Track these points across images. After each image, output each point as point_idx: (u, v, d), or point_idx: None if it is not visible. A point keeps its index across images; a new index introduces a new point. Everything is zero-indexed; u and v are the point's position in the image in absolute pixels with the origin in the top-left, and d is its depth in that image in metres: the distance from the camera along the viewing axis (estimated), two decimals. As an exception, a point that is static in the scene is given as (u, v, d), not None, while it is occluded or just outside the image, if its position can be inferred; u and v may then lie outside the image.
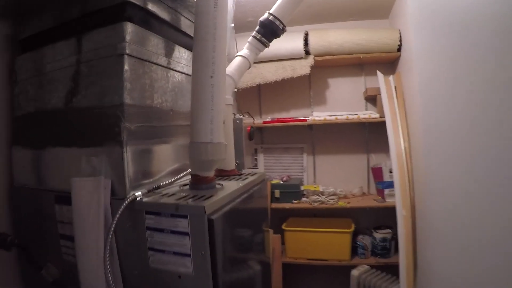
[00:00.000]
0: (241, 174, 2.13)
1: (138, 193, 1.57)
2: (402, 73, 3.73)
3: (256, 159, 4.65)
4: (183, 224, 1.44)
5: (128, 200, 1.51)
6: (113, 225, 1.47)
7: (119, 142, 1.58)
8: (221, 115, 1.68)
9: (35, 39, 1.94)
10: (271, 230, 3.45)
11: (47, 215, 1.79)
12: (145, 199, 1.55)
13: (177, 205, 1.45)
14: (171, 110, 1.93)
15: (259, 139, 4.64)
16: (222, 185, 1.82)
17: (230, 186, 1.79)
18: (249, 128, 2.53)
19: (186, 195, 1.57)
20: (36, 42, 1.92)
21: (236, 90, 2.74)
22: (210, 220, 1.42)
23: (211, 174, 1.72)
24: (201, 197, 1.55)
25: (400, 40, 3.74)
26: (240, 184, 1.86)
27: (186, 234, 1.44)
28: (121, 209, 1.47)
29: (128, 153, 1.60)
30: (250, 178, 2.03)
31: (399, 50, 3.80)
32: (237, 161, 2.44)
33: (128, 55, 1.62)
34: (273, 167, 4.65)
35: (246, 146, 2.49)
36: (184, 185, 1.81)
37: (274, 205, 4.07)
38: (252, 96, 4.65)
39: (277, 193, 4.09)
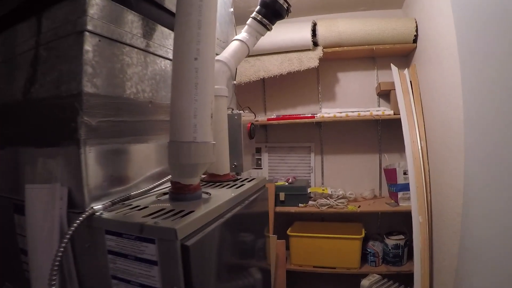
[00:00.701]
0: (237, 180, 1.79)
1: (98, 207, 1.23)
2: (418, 66, 3.46)
3: (259, 159, 4.41)
4: (150, 250, 1.09)
5: (84, 215, 1.16)
6: (62, 246, 1.13)
7: (76, 140, 1.23)
8: (208, 108, 1.34)
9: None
10: (274, 236, 3.27)
11: (6, 226, 1.50)
12: (105, 215, 1.20)
13: (141, 226, 1.09)
14: (150, 102, 1.58)
15: (263, 137, 4.41)
16: (210, 194, 1.47)
17: (220, 196, 1.44)
18: (249, 125, 2.20)
19: (160, 210, 1.22)
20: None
21: (235, 82, 2.41)
22: (185, 246, 1.06)
23: (195, 181, 1.37)
24: (178, 212, 1.19)
25: (417, 30, 3.46)
26: (233, 194, 1.49)
27: (154, 263, 1.09)
28: (73, 227, 1.13)
29: (88, 155, 1.25)
30: (247, 185, 1.68)
31: (415, 41, 3.52)
32: (235, 163, 2.13)
33: (91, 32, 1.27)
34: (278, 168, 4.39)
35: (246, 146, 2.18)
36: (165, 193, 1.46)
37: (279, 209, 3.79)
38: (255, 91, 4.38)
39: (281, 196, 3.81)
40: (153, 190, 1.51)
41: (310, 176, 4.27)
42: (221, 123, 1.72)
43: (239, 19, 2.59)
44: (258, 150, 4.39)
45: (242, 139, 2.14)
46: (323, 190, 3.94)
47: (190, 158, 1.29)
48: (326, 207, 3.70)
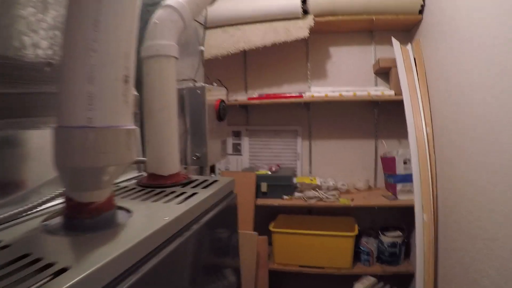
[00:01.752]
0: (189, 183, 1.17)
1: None
2: (423, 41, 3.01)
3: (239, 144, 3.86)
4: None
5: None
6: None
7: None
8: (119, 66, 0.73)
9: None
10: (255, 233, 3.00)
11: None
12: None
13: None
14: (48, 64, 0.96)
15: (243, 119, 3.92)
16: (132, 213, 0.87)
17: (148, 220, 0.83)
18: (218, 103, 1.67)
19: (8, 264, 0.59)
20: None
21: (202, 48, 1.92)
22: None
23: (98, 196, 0.77)
24: (47, 266, 0.59)
25: (423, 0, 2.99)
26: (169, 218, 0.84)
27: None
28: None
29: None
30: (203, 193, 1.05)
31: (421, 12, 3.05)
32: (197, 154, 1.60)
33: None
34: (260, 154, 3.91)
35: (212, 131, 1.65)
36: (58, 213, 0.84)
37: (260, 201, 3.33)
38: (235, 67, 3.87)
39: (264, 187, 3.34)
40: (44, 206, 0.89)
41: (296, 164, 3.80)
42: (164, 97, 1.13)
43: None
44: (238, 134, 3.88)
45: (207, 121, 1.59)
46: (311, 180, 3.42)
47: (83, 158, 0.68)
48: (315, 200, 3.21)
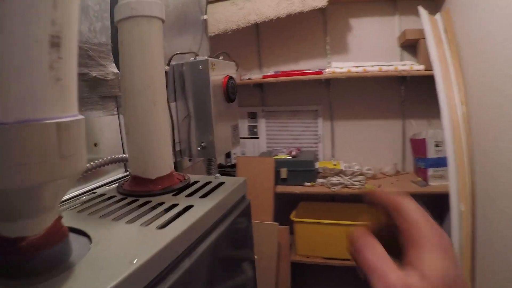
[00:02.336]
0: (184, 188, 0.87)
1: None
2: (453, 10, 2.69)
3: (255, 127, 3.63)
4: None
5: None
6: None
7: None
8: (42, 26, 0.43)
9: None
10: (275, 224, 2.77)
11: None
12: None
13: None
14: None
15: (259, 99, 3.66)
16: (90, 243, 0.58)
17: (106, 263, 0.52)
18: (225, 80, 1.37)
19: None
20: None
21: (205, 17, 1.67)
22: None
23: (35, 228, 0.48)
24: None
25: None
26: (140, 259, 0.51)
27: None
28: None
29: None
30: (203, 206, 0.72)
31: None
32: (202, 143, 1.32)
33: None
34: (278, 137, 3.64)
35: (221, 114, 1.36)
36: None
37: (280, 188, 3.07)
38: (247, 42, 3.61)
39: (283, 173, 3.07)
40: None
41: (317, 147, 3.53)
42: (146, 73, 0.83)
43: None
44: (254, 116, 3.64)
45: (212, 103, 1.29)
46: (335, 165, 3.17)
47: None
48: (339, 186, 2.92)
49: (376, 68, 2.91)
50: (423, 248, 0.41)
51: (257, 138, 3.63)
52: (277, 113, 3.61)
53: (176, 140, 1.33)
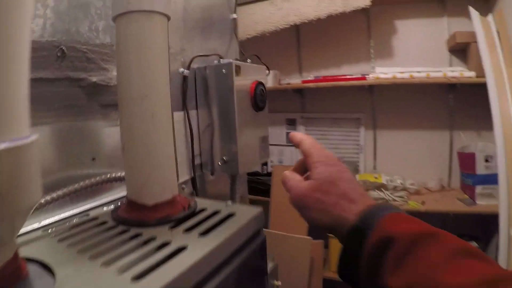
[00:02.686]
0: (189, 217, 0.72)
1: None
2: (507, 10, 2.53)
3: None
4: None
5: None
6: None
7: None
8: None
9: None
10: (308, 238, 2.64)
11: None
12: None
13: None
14: None
15: (298, 105, 3.55)
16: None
17: None
18: (253, 86, 1.24)
19: None
20: None
21: (235, 16, 1.47)
22: None
23: None
24: None
25: None
26: None
27: None
28: None
29: None
30: (201, 249, 0.57)
31: None
32: (224, 157, 1.19)
33: None
34: None
35: (247, 124, 1.23)
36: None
37: None
38: (287, 45, 3.50)
39: None
40: None
41: (358, 158, 3.38)
42: (144, 78, 0.70)
43: None
44: (292, 122, 3.55)
45: (237, 111, 1.16)
46: (376, 178, 3.00)
47: None
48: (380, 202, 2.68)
49: (423, 74, 2.75)
50: (314, 166, 0.64)
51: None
52: (316, 120, 3.50)
53: (196, 152, 1.20)
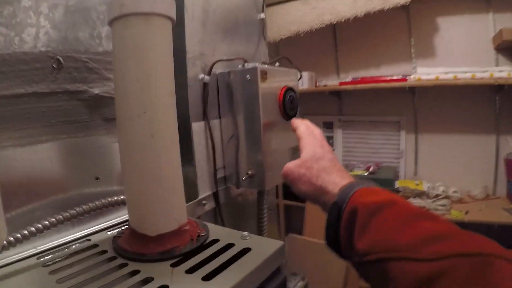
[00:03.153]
0: (196, 252, 0.63)
1: None
2: None
3: (331, 138, 3.50)
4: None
5: None
6: None
7: None
8: None
9: None
10: None
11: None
12: None
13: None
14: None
15: (336, 108, 3.50)
16: None
17: None
18: (282, 91, 1.13)
19: None
20: None
21: (263, 16, 1.36)
22: None
23: None
24: None
25: None
26: None
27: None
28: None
29: None
30: None
31: None
32: (249, 171, 1.09)
33: None
34: (355, 150, 3.47)
35: (275, 134, 1.12)
36: None
37: None
38: (323, 45, 3.43)
39: None
40: None
41: (398, 163, 3.29)
42: (143, 92, 0.61)
43: None
44: (330, 125, 3.51)
45: (263, 121, 1.06)
46: (417, 185, 2.90)
47: None
48: None
49: (468, 75, 2.64)
50: (303, 147, 0.78)
51: (333, 149, 3.40)
52: (355, 124, 3.44)
53: (219, 165, 1.12)
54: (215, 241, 0.66)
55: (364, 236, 0.55)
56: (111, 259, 0.62)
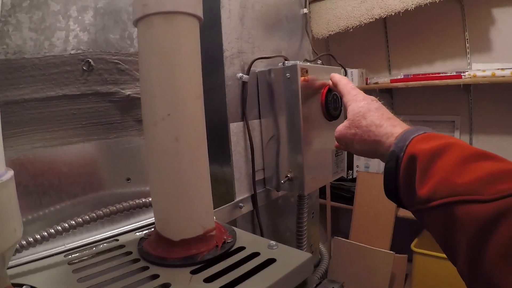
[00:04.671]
0: (220, 259, 0.63)
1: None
2: None
3: None
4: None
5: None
6: None
7: None
8: None
9: None
10: (391, 253, 2.58)
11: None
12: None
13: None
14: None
15: (387, 106, 3.22)
16: None
17: None
18: (324, 90, 1.09)
19: None
20: None
21: (306, 11, 1.33)
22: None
23: None
24: None
25: None
26: None
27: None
28: None
29: None
30: None
31: None
32: (288, 175, 1.07)
33: None
34: None
35: (317, 135, 1.10)
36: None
37: (403, 212, 2.78)
38: (374, 41, 3.35)
39: None
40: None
41: None
42: (167, 95, 0.61)
43: None
44: None
45: (303, 121, 1.03)
46: None
47: None
48: None
49: (527, 72, 2.49)
50: (347, 105, 0.78)
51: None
52: (407, 123, 3.24)
53: (259, 167, 1.11)
54: (241, 248, 0.65)
55: (425, 182, 0.55)
56: (135, 261, 0.63)
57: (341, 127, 0.77)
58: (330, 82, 0.93)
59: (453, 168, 0.52)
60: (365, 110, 0.73)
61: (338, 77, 0.88)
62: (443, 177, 0.52)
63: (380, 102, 0.77)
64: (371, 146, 0.70)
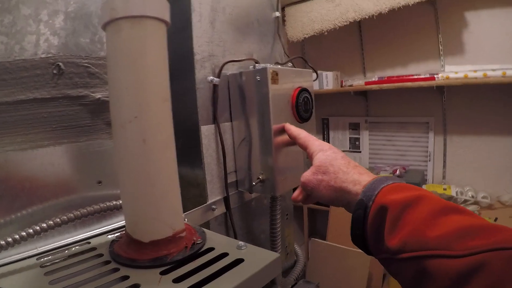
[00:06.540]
0: (188, 260, 0.64)
1: None
2: None
3: (357, 139, 3.47)
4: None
5: None
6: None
7: None
8: None
9: None
10: None
11: None
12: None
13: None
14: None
15: (362, 109, 3.48)
16: None
17: None
18: (295, 93, 1.11)
19: None
20: None
21: (278, 14, 1.35)
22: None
23: None
24: None
25: None
26: None
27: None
28: None
29: None
30: None
31: None
32: (260, 176, 1.07)
33: None
34: (382, 152, 3.44)
35: (287, 138, 1.07)
36: None
37: None
38: (349, 44, 3.41)
39: None
40: None
41: (426, 166, 3.22)
42: (134, 97, 0.62)
43: None
44: (356, 127, 3.48)
45: (273, 124, 1.04)
46: (445, 190, 2.85)
47: None
48: None
49: (499, 73, 2.56)
50: (313, 155, 0.79)
51: (359, 152, 3.46)
52: (381, 125, 3.40)
53: (231, 169, 1.12)
54: (210, 249, 0.66)
55: (395, 233, 0.56)
56: (106, 263, 0.64)
57: (308, 173, 0.77)
58: (301, 85, 0.95)
59: (424, 221, 0.54)
60: (332, 158, 0.74)
61: (295, 131, 0.92)
62: (414, 229, 0.54)
63: (344, 153, 0.78)
64: (337, 192, 0.71)
